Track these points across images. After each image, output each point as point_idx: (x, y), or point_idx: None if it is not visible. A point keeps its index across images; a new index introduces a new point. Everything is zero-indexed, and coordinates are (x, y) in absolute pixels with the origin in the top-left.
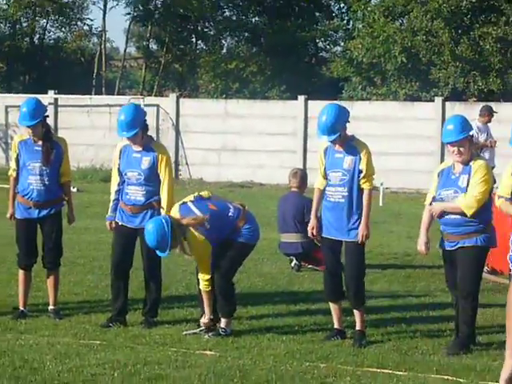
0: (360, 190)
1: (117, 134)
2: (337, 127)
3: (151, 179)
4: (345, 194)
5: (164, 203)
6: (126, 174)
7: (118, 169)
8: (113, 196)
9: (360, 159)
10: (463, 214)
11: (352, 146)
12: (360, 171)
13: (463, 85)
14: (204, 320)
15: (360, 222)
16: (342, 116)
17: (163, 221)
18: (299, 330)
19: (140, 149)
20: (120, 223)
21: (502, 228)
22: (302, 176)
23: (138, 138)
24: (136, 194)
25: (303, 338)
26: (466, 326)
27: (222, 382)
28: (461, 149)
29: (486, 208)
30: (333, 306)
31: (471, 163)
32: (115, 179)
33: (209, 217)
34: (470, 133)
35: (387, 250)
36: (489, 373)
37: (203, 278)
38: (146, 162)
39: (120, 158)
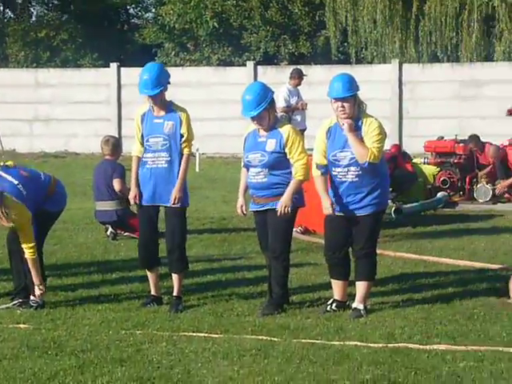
0: (181, 155)
1: None
2: (160, 81)
3: None
4: (167, 159)
5: None
6: None
7: None
8: None
9: (181, 124)
10: (274, 178)
11: (171, 110)
12: (181, 136)
13: (274, 49)
14: (37, 291)
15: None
16: (164, 73)
17: None
18: (115, 298)
19: None
20: None
21: (312, 188)
22: (113, 143)
23: None
24: None
25: (119, 306)
26: (278, 287)
27: (36, 354)
28: (262, 122)
29: (290, 171)
30: (149, 274)
31: (278, 128)
32: None
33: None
34: (267, 103)
35: (203, 215)
36: (302, 331)
37: (27, 247)
38: None
39: None
